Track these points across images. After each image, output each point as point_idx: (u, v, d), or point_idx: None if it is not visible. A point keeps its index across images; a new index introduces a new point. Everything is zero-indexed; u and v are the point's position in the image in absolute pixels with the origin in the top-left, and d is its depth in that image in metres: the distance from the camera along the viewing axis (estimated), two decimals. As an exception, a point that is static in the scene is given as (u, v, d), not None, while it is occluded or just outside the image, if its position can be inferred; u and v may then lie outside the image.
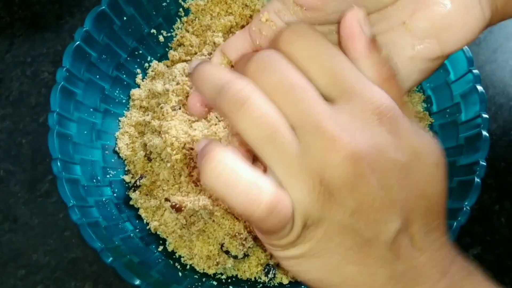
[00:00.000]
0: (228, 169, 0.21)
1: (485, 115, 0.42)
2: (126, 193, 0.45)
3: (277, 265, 0.42)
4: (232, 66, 0.29)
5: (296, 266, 0.24)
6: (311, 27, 0.24)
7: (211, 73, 0.23)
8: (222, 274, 0.43)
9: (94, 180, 0.43)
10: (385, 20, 0.26)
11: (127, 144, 0.47)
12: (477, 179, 0.39)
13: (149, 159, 0.45)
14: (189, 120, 0.45)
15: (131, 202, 0.45)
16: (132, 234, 0.43)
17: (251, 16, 0.51)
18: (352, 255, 0.23)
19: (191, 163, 0.43)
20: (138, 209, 0.45)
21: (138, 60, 0.50)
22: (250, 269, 0.42)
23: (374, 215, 0.22)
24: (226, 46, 0.29)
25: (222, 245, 0.42)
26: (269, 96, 0.22)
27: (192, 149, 0.42)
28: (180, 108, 0.45)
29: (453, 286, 0.23)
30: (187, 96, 0.45)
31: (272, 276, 0.42)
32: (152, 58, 0.51)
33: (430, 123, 0.48)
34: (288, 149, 0.21)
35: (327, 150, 0.21)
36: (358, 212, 0.22)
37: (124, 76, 0.49)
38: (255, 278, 0.43)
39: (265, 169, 0.23)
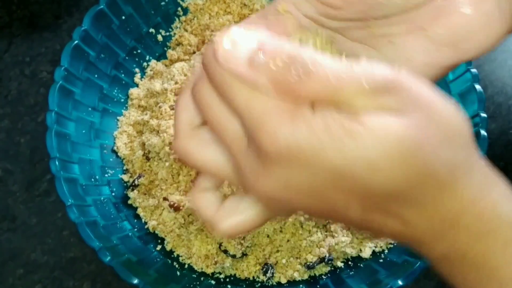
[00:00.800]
0: (199, 199, 0.26)
1: (483, 114, 0.42)
2: (125, 192, 0.45)
3: (275, 264, 0.43)
4: None
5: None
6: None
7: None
8: (220, 273, 0.43)
9: (93, 179, 0.43)
10: (404, 24, 0.25)
11: (125, 143, 0.47)
12: (475, 178, 0.39)
13: (148, 158, 0.45)
14: (187, 119, 0.45)
15: (129, 201, 0.45)
16: (130, 233, 0.43)
17: (249, 16, 0.51)
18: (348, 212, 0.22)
19: (190, 162, 0.43)
20: (136, 208, 0.45)
21: (137, 59, 0.50)
22: (249, 268, 0.42)
23: (326, 213, 0.22)
24: None
25: (220, 244, 0.42)
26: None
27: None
28: (178, 107, 0.45)
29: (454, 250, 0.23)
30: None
31: (271, 275, 0.42)
32: (151, 58, 0.51)
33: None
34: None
35: (248, 183, 0.22)
36: (310, 213, 0.23)
37: (123, 75, 0.49)
38: (253, 277, 0.43)
39: None
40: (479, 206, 0.22)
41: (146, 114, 0.47)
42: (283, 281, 0.42)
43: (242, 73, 0.20)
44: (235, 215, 0.24)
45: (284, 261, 0.42)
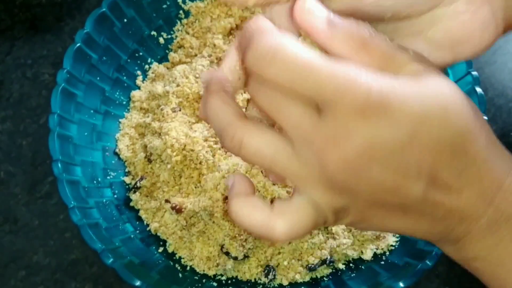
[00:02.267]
0: (245, 206, 0.24)
1: (484, 117, 0.42)
2: (127, 194, 0.45)
3: (277, 266, 0.43)
4: None
5: (350, 226, 0.26)
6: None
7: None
8: (222, 275, 0.43)
9: (95, 182, 0.43)
10: (407, 28, 0.27)
11: (127, 145, 0.47)
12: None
13: (149, 161, 0.45)
14: (189, 122, 0.45)
15: (131, 204, 0.45)
16: (132, 236, 0.43)
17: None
18: (390, 216, 0.24)
19: (191, 165, 0.43)
20: (138, 210, 0.45)
21: (139, 62, 0.50)
22: (250, 270, 0.43)
23: (393, 189, 0.23)
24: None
25: (222, 246, 0.42)
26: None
27: (192, 150, 0.42)
28: (180, 110, 0.45)
29: (500, 214, 0.24)
30: (187, 98, 0.45)
31: (272, 277, 0.42)
32: (153, 60, 0.51)
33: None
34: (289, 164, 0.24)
35: (319, 161, 0.22)
36: (375, 193, 0.23)
37: (125, 78, 0.49)
38: (255, 279, 0.43)
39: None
40: None
41: (148, 116, 0.47)
42: (285, 283, 0.42)
43: (322, 32, 0.23)
44: (291, 215, 0.24)
45: (285, 263, 0.42)
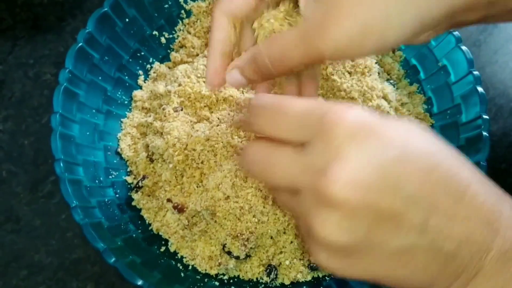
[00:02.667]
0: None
1: (486, 116, 0.42)
2: (129, 194, 0.45)
3: (279, 266, 0.43)
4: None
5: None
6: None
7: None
8: (224, 274, 0.43)
9: (97, 181, 0.43)
10: None
11: (129, 145, 0.47)
12: (478, 180, 0.40)
13: (151, 160, 0.45)
14: (190, 121, 0.45)
15: (133, 203, 0.45)
16: (134, 235, 0.43)
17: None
18: (399, 261, 0.24)
19: (193, 164, 0.43)
20: (140, 210, 0.45)
21: (140, 61, 0.50)
22: (252, 270, 0.43)
23: (395, 217, 0.22)
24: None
25: (224, 246, 0.42)
26: None
27: (194, 149, 0.42)
28: (182, 109, 0.45)
29: (509, 243, 0.23)
30: (188, 98, 0.45)
31: (274, 276, 0.42)
32: (154, 60, 0.51)
33: (431, 124, 0.48)
34: None
35: (318, 189, 0.23)
36: (378, 221, 0.23)
37: (126, 77, 0.49)
38: (257, 278, 0.43)
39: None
40: None
41: (150, 116, 0.47)
42: (287, 282, 0.42)
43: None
44: None
45: (287, 262, 0.42)
